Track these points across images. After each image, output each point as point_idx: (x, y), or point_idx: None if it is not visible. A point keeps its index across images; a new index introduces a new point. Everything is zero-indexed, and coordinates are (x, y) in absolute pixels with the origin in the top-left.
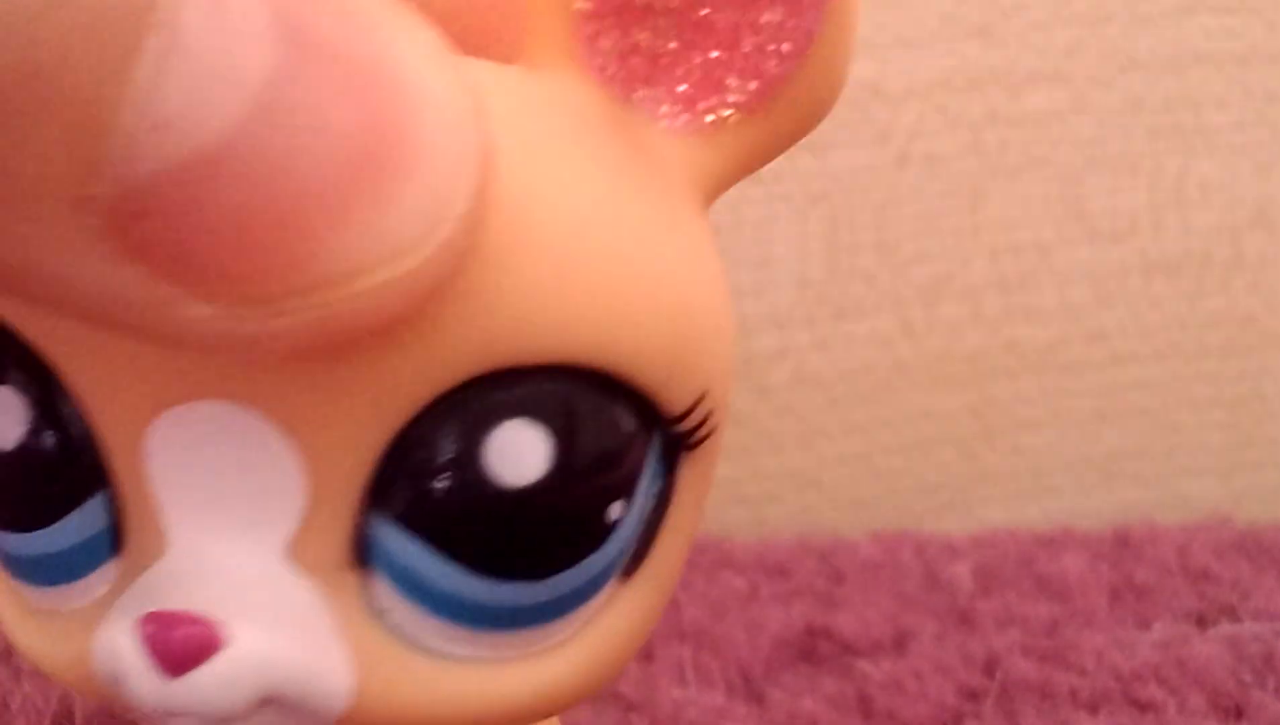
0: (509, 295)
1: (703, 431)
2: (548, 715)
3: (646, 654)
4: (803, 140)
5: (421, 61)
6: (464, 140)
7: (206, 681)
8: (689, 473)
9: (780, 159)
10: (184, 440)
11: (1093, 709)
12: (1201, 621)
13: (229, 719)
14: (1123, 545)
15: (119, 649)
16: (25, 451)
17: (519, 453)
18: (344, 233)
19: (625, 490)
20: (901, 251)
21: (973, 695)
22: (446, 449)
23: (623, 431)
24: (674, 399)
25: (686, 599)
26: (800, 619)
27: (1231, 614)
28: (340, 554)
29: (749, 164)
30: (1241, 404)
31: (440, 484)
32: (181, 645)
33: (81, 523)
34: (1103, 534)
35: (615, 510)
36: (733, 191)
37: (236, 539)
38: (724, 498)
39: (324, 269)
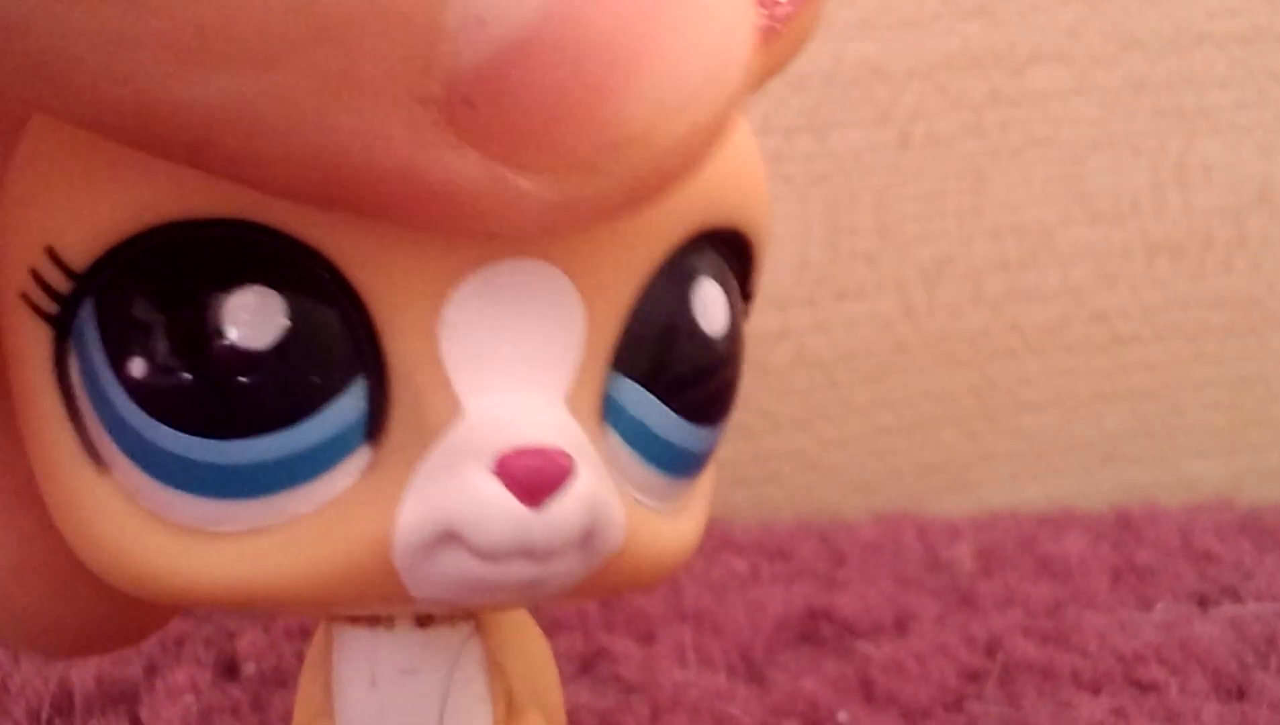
0: (723, 166)
1: (757, 287)
2: (674, 571)
3: (647, 635)
4: (803, 121)
5: None
6: (738, 3)
7: (559, 512)
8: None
9: (781, 139)
10: (477, 307)
11: (1094, 690)
12: (1203, 602)
13: (558, 553)
14: (1124, 526)
15: (474, 491)
16: (283, 349)
17: (715, 305)
18: (643, 91)
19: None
20: (903, 232)
21: (974, 676)
22: (671, 304)
23: (738, 285)
24: (762, 255)
25: (687, 581)
26: (801, 600)
27: (1233, 595)
28: (596, 406)
29: (761, 80)
30: (1243, 385)
31: (667, 335)
32: (545, 471)
33: (339, 413)
34: (1104, 515)
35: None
36: None
37: (526, 394)
38: (725, 479)
39: (632, 127)
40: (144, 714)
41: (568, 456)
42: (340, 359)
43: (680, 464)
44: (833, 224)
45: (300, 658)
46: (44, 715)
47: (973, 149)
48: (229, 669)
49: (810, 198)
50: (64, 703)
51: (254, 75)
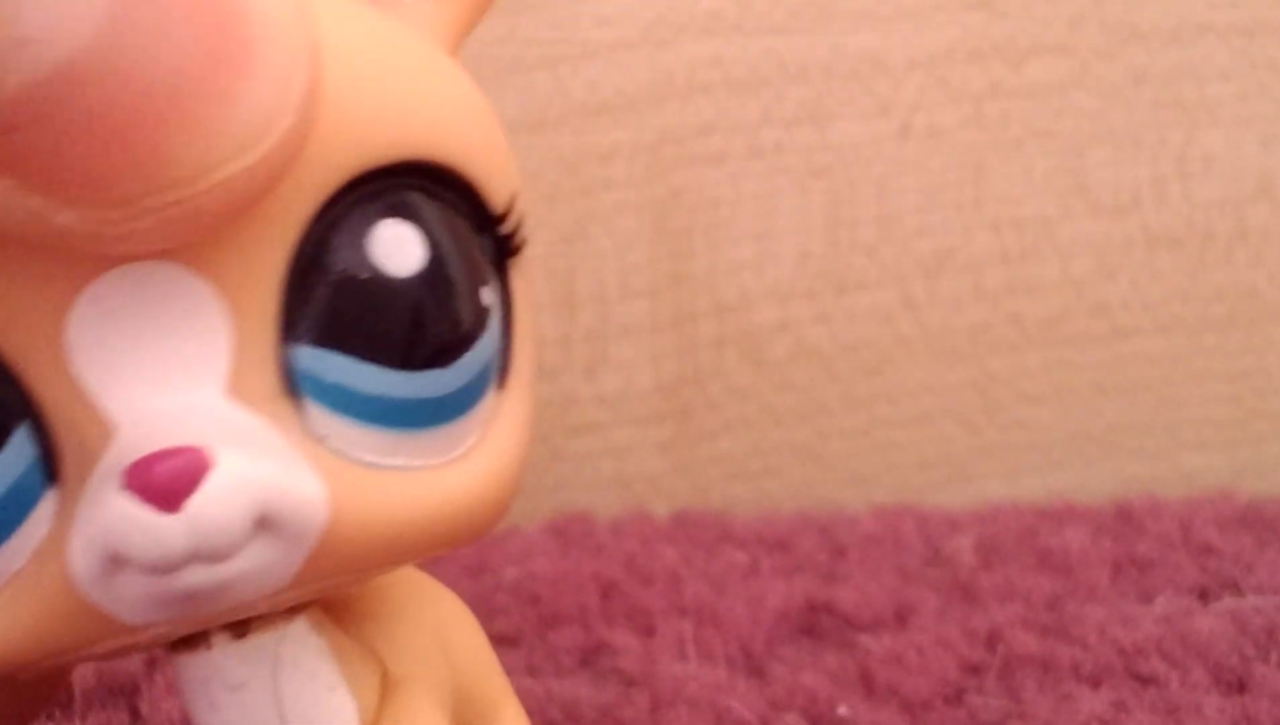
0: (350, 115)
1: (520, 236)
2: (480, 525)
3: (647, 628)
4: (804, 113)
5: None
6: (295, 39)
7: (205, 506)
8: (519, 282)
9: (781, 131)
10: (101, 317)
11: (1095, 683)
12: (1204, 595)
13: (230, 550)
14: (1125, 519)
15: (111, 513)
16: None
17: (399, 246)
18: (195, 132)
19: (485, 276)
20: (903, 225)
21: (974, 669)
22: (338, 255)
23: (465, 222)
24: (495, 194)
25: (688, 574)
26: (801, 593)
27: (1234, 588)
28: (274, 385)
29: (475, 17)
30: (1244, 377)
31: (341, 288)
32: (174, 473)
33: (10, 462)
34: (1105, 508)
35: (486, 295)
36: (733, 164)
37: (179, 394)
38: (725, 472)
39: (179, 168)
40: (144, 707)
41: (198, 450)
42: None
43: (412, 415)
44: (833, 216)
45: None
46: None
47: (973, 141)
48: None
49: (810, 190)
50: (64, 696)
51: None
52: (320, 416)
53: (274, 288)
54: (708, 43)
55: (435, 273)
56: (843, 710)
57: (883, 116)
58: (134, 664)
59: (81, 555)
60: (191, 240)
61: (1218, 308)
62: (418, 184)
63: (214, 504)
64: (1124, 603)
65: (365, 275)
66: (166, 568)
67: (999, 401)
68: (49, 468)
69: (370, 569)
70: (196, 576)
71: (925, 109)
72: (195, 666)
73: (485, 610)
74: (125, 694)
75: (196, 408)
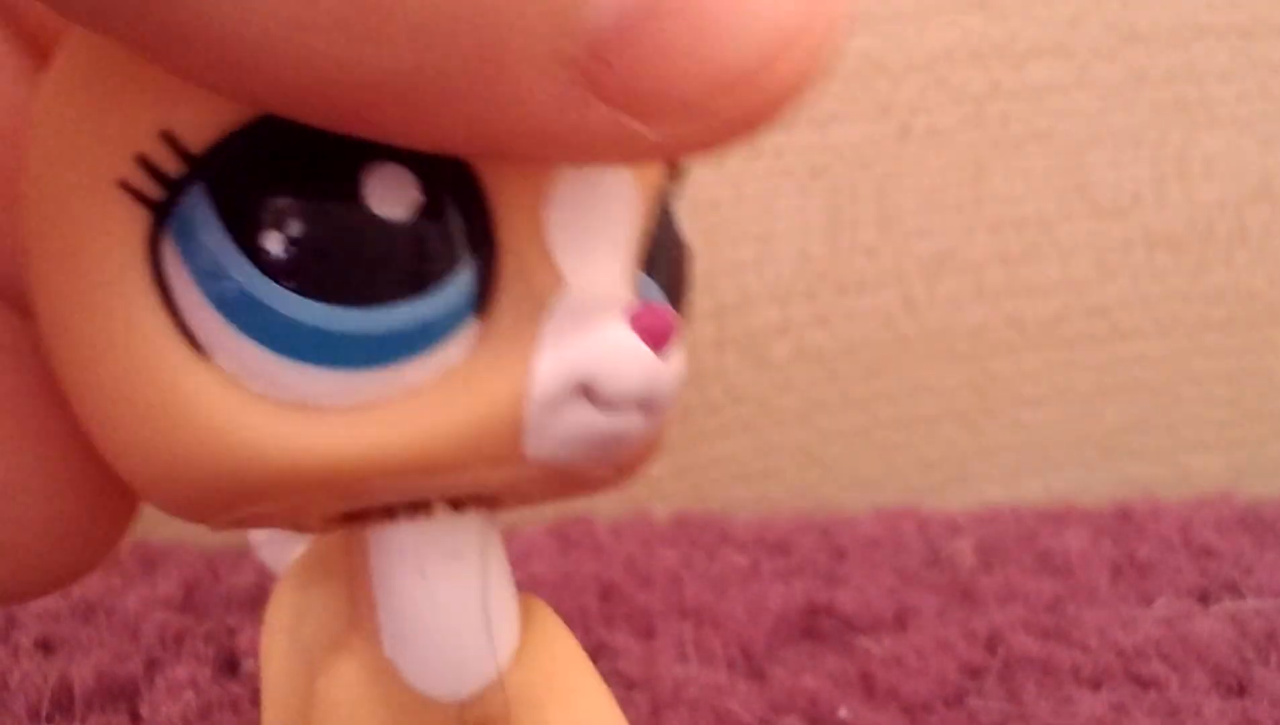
0: None
1: None
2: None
3: (647, 631)
4: (804, 113)
5: None
6: None
7: (673, 363)
8: None
9: (781, 133)
10: (574, 195)
11: (1095, 685)
12: (1204, 598)
13: (665, 404)
14: (1125, 521)
15: (608, 342)
16: (415, 222)
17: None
18: (753, 32)
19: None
20: (903, 226)
21: (974, 672)
22: (667, 216)
23: None
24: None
25: (688, 576)
26: (801, 596)
27: (1234, 590)
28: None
29: None
30: (1244, 379)
31: (665, 239)
32: (668, 326)
33: (458, 286)
34: (1105, 510)
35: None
36: (734, 165)
37: (614, 269)
38: (725, 474)
39: (744, 67)
40: (144, 710)
41: (671, 313)
42: (461, 235)
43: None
44: (833, 217)
45: None
46: (44, 711)
47: (973, 142)
48: (229, 665)
49: (810, 191)
50: (64, 698)
51: (413, 52)
52: None
53: (655, 202)
54: None
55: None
56: (843, 712)
57: (883, 117)
58: (134, 666)
59: (554, 374)
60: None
61: (1218, 309)
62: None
63: (675, 359)
64: (1124, 605)
65: (675, 232)
66: (624, 404)
67: (999, 403)
68: (480, 302)
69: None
70: (628, 422)
71: (925, 110)
72: (414, 533)
73: None
74: (125, 696)
75: (624, 284)
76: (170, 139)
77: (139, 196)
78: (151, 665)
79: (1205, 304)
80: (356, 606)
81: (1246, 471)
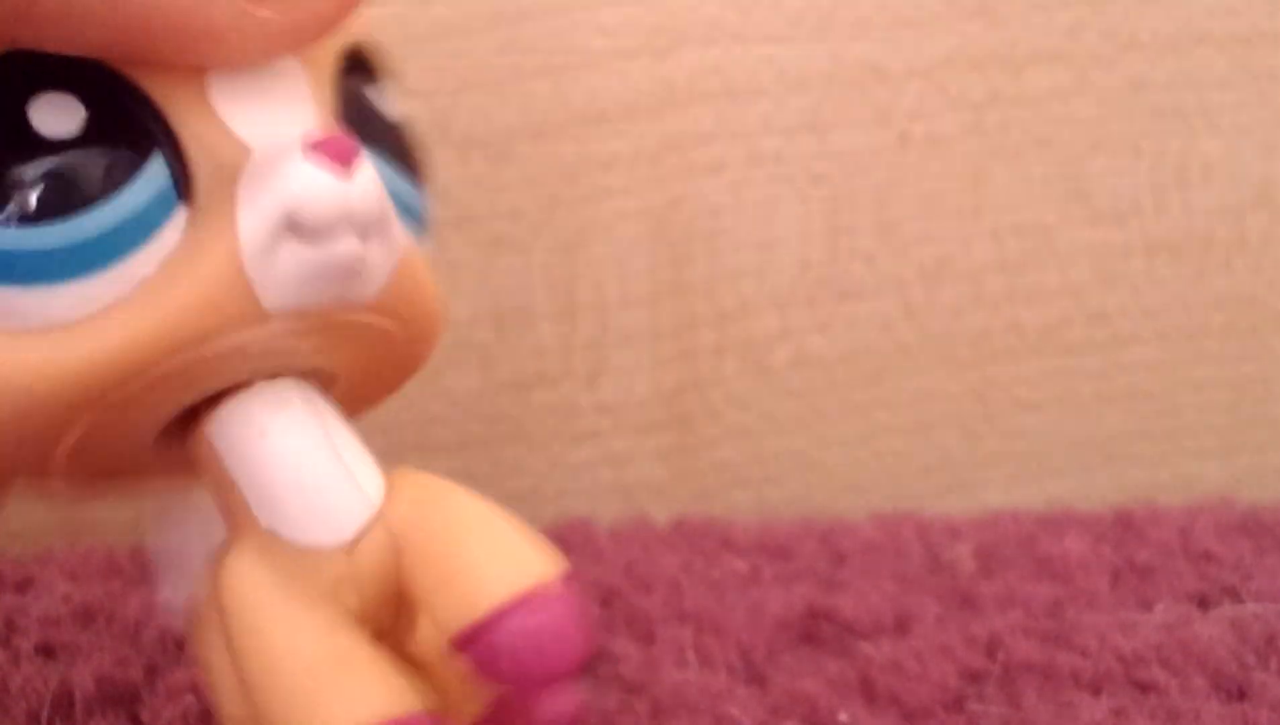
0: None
1: None
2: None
3: (647, 636)
4: (803, 121)
5: None
6: None
7: (364, 177)
8: None
9: (781, 140)
10: (230, 80)
11: (1095, 690)
12: (1204, 603)
13: (371, 225)
14: (1124, 526)
15: (295, 177)
16: (84, 138)
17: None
18: None
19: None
20: (903, 232)
21: (974, 677)
22: (355, 90)
23: None
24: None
25: (688, 581)
26: (801, 601)
27: (1234, 595)
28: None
29: None
30: (1244, 385)
31: (360, 108)
32: (348, 144)
33: (147, 182)
34: (1104, 515)
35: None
36: (734, 172)
37: (294, 129)
38: (725, 480)
39: None
40: (145, 715)
41: (353, 140)
42: (134, 139)
43: (404, 212)
44: (832, 224)
45: None
46: (44, 716)
47: (972, 149)
48: None
49: (810, 198)
50: (64, 703)
51: None
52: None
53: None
54: (708, 51)
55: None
56: (843, 717)
57: (882, 125)
58: (134, 671)
59: (255, 224)
60: (339, 24)
61: (1217, 315)
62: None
63: (369, 178)
64: (1124, 610)
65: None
66: (329, 230)
67: (999, 409)
68: (180, 189)
69: (409, 345)
70: (345, 247)
71: (925, 117)
72: (239, 407)
73: None
74: (126, 700)
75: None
76: None
77: None
78: (152, 670)
79: (1205, 310)
80: (227, 514)
81: (1246, 477)
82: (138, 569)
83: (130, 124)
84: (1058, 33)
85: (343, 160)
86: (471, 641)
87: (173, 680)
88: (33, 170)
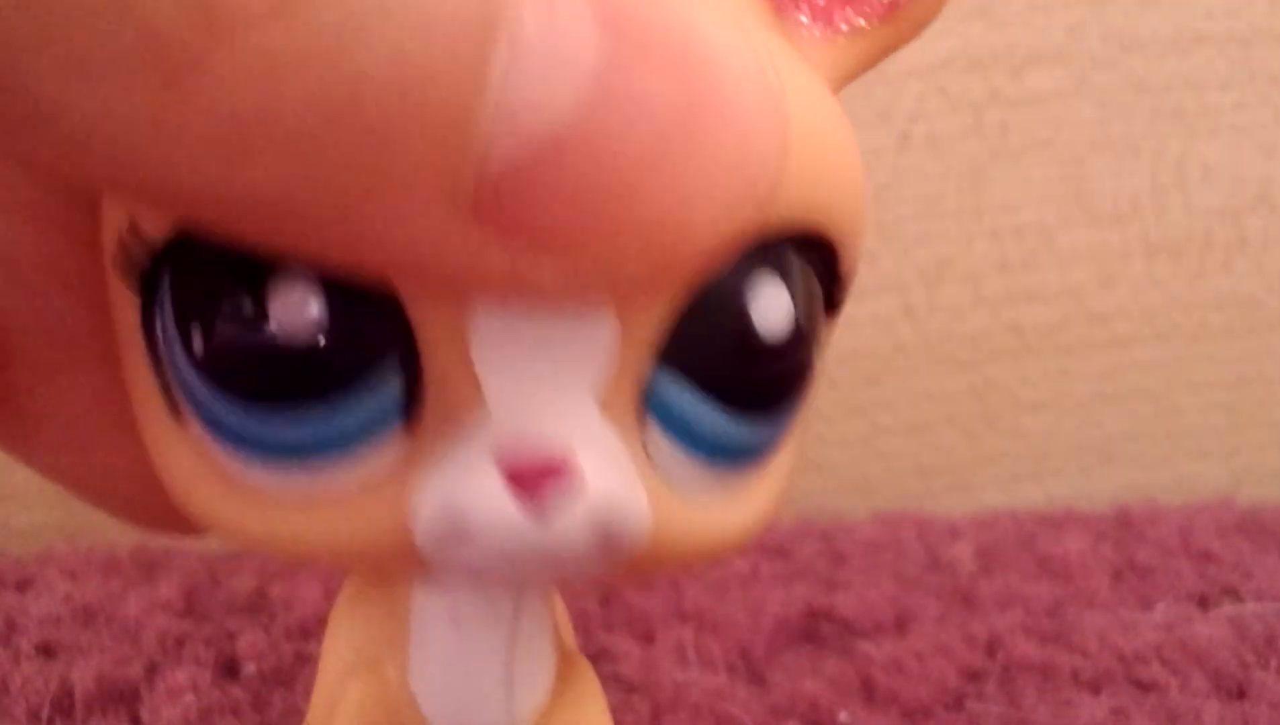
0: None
1: (846, 293)
2: (734, 551)
3: (648, 635)
4: None
5: (720, 30)
6: (764, 100)
7: (564, 522)
8: (826, 332)
9: None
10: (504, 315)
11: (1095, 689)
12: (1203, 602)
13: (570, 557)
14: (1124, 526)
15: (480, 493)
16: (321, 333)
17: (775, 309)
18: (675, 197)
19: (824, 339)
20: (903, 233)
21: (974, 676)
22: (724, 304)
23: (819, 285)
24: (850, 259)
25: (687, 580)
26: (801, 600)
27: (1233, 594)
28: (634, 405)
29: (870, 62)
30: (1243, 385)
31: (717, 336)
32: (550, 489)
33: (371, 396)
34: (1104, 515)
35: (819, 355)
36: None
37: (554, 399)
38: None
39: (661, 231)
40: (144, 714)
41: (568, 462)
42: (372, 347)
43: (737, 456)
44: None
45: (300, 657)
46: (45, 715)
47: (972, 150)
48: (229, 669)
49: None
50: (64, 702)
51: (289, 165)
52: (657, 438)
53: (661, 321)
54: None
55: (797, 338)
56: (843, 716)
57: (882, 125)
58: (135, 670)
59: (432, 517)
60: (668, 284)
61: (1217, 316)
62: (794, 242)
63: (571, 524)
64: (1124, 609)
65: (740, 330)
66: (511, 560)
67: (998, 409)
68: (406, 413)
69: (642, 575)
70: (528, 568)
71: (924, 118)
72: (444, 587)
73: None
74: (126, 700)
75: (563, 416)
76: (135, 227)
77: (125, 272)
78: (152, 669)
79: (1204, 311)
80: (393, 629)
81: (1245, 477)
82: (138, 569)
83: (369, 329)
84: (1058, 34)
85: (539, 497)
86: None
87: (172, 680)
88: (251, 352)
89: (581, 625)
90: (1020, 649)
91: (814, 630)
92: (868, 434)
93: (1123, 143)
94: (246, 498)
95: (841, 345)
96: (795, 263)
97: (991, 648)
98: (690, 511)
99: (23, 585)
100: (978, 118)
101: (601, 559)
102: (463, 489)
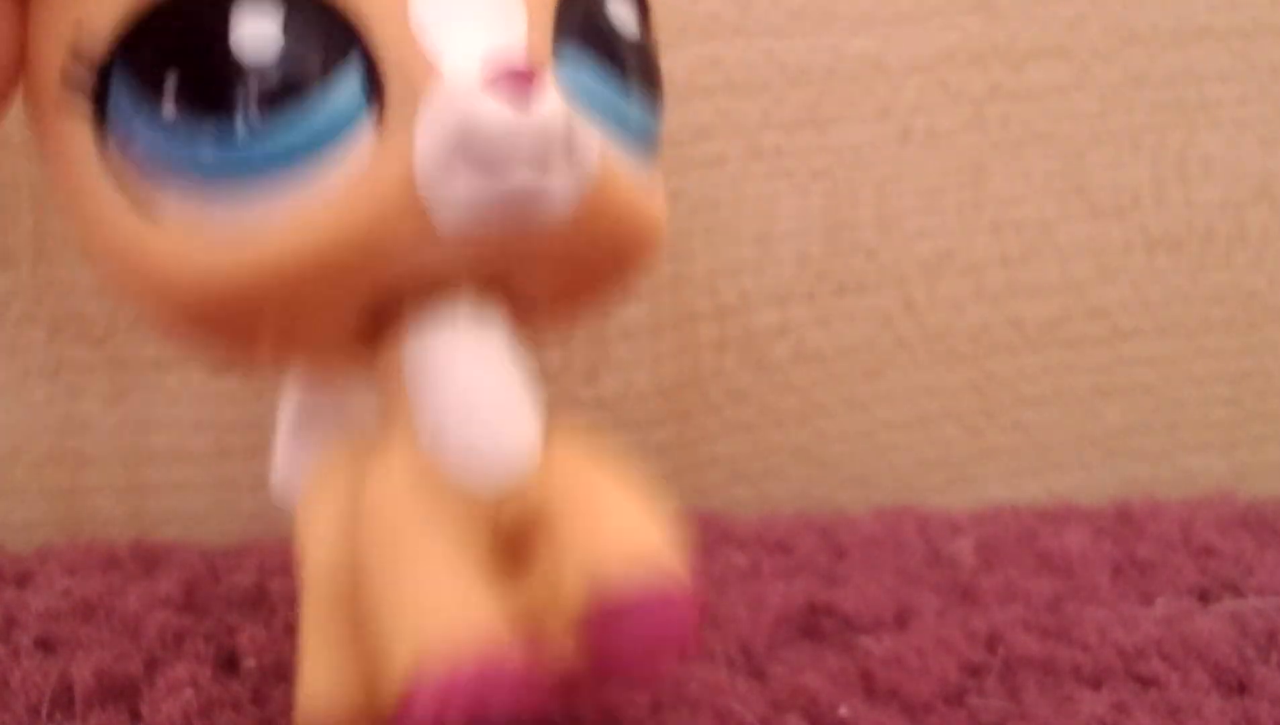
0: None
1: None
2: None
3: None
4: (803, 116)
5: None
6: None
7: (544, 112)
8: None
9: (781, 134)
10: None
11: (1095, 684)
12: (1204, 597)
13: (551, 158)
14: (1125, 521)
15: (472, 107)
16: (286, 39)
17: (626, 15)
18: None
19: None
20: (903, 227)
21: (975, 671)
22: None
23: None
24: None
25: (688, 575)
26: (802, 595)
27: (1234, 589)
28: (548, 54)
29: None
30: (1244, 379)
31: (592, 23)
32: (522, 76)
33: (340, 91)
34: (1105, 510)
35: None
36: (734, 166)
37: (490, 38)
38: (725, 474)
39: None
40: (144, 709)
41: (537, 72)
42: (330, 48)
43: (620, 121)
44: (832, 219)
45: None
46: (44, 710)
47: (973, 144)
48: (229, 664)
49: (810, 192)
50: (64, 698)
51: None
52: (570, 97)
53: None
54: (707, 45)
55: (643, 35)
56: (843, 711)
57: (883, 119)
58: (134, 665)
59: (429, 148)
60: None
61: (1218, 310)
62: None
63: (550, 112)
64: (1124, 604)
65: (608, 24)
66: (505, 161)
67: (999, 403)
68: (370, 102)
69: (605, 251)
70: (520, 179)
71: (925, 111)
72: (439, 325)
73: None
74: (126, 695)
75: (512, 49)
76: (77, 50)
77: (76, 85)
78: (152, 664)
79: (1205, 305)
80: (391, 419)
81: (1246, 471)
82: (137, 564)
83: (326, 28)
84: (1058, 27)
85: (521, 92)
86: (590, 624)
87: (172, 675)
88: (233, 73)
89: None
90: (1021, 644)
91: (814, 625)
92: (867, 428)
93: (1123, 136)
94: (241, 242)
95: (841, 339)
96: None
97: (992, 643)
98: (619, 168)
99: (22, 580)
100: (978, 111)
101: (571, 181)
102: (458, 110)
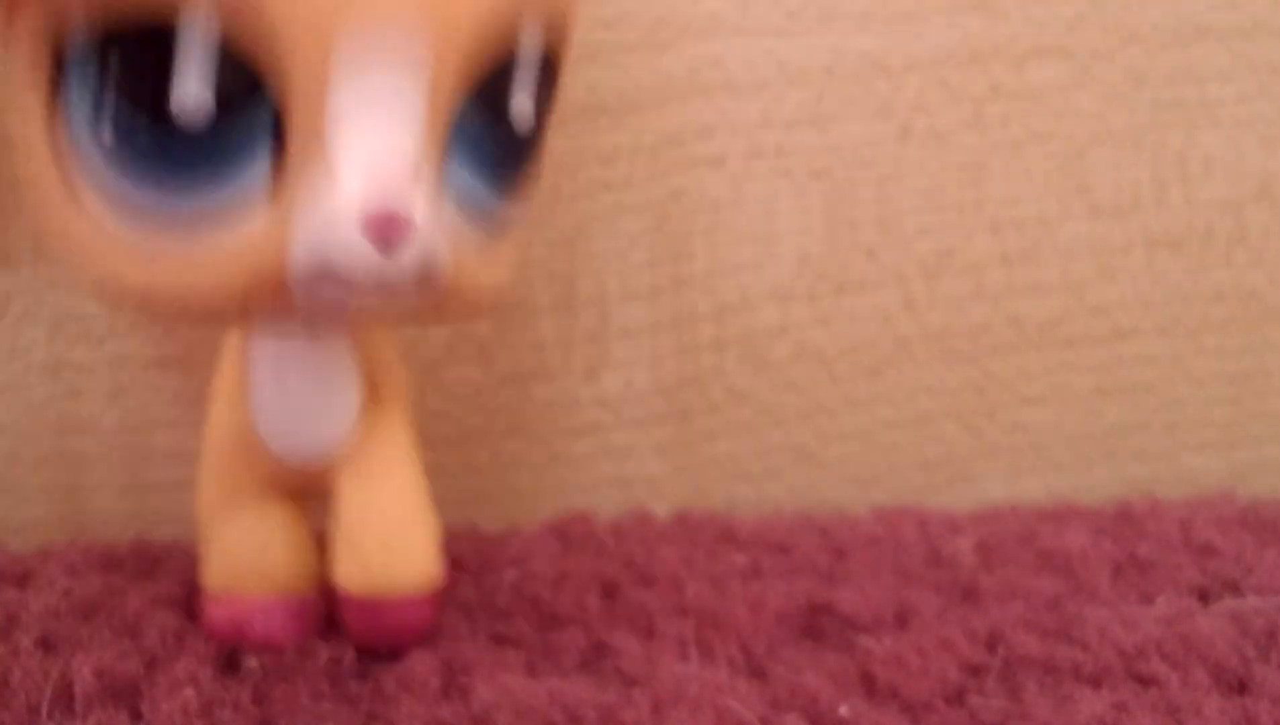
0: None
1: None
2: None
3: (648, 630)
4: (804, 115)
5: None
6: None
7: (405, 259)
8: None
9: (781, 133)
10: (353, 81)
11: (1095, 684)
12: (1204, 596)
13: (403, 289)
14: (1125, 520)
15: (345, 243)
16: (219, 113)
17: (524, 111)
18: None
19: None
20: (903, 226)
21: (975, 670)
22: (495, 107)
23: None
24: (561, 63)
25: (688, 575)
26: (802, 595)
27: (1234, 588)
28: (438, 160)
29: None
30: (1244, 379)
31: (494, 121)
32: (397, 233)
33: (250, 163)
34: (1105, 509)
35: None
36: (734, 166)
37: (387, 145)
38: (726, 474)
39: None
40: (144, 708)
41: (411, 221)
42: (255, 127)
43: (486, 220)
44: (833, 218)
45: (301, 653)
46: (44, 709)
47: (973, 143)
48: (229, 663)
49: (811, 191)
50: (64, 697)
51: None
52: (449, 201)
53: (455, 99)
54: (708, 45)
55: (535, 131)
56: (844, 711)
57: (883, 118)
58: (134, 664)
59: (303, 256)
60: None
61: (1218, 309)
62: (539, 63)
63: (410, 259)
64: (1124, 604)
65: (505, 126)
66: (364, 287)
67: (999, 403)
68: (273, 175)
69: (443, 318)
70: (371, 298)
71: (925, 111)
72: (273, 342)
73: (486, 612)
74: (126, 694)
75: (403, 154)
76: (55, 39)
77: (39, 71)
78: (152, 664)
79: (1205, 304)
80: (239, 374)
81: (1246, 471)
82: (138, 563)
83: (255, 107)
84: (1058, 26)
85: (391, 239)
86: (348, 606)
87: (172, 674)
88: (162, 132)
89: (582, 620)
90: (1021, 643)
91: (815, 625)
92: (868, 428)
93: (1124, 135)
94: (137, 261)
95: (842, 339)
96: (538, 78)
97: (992, 642)
98: (468, 260)
99: (23, 580)
100: (979, 110)
101: (418, 288)
102: (333, 243)
